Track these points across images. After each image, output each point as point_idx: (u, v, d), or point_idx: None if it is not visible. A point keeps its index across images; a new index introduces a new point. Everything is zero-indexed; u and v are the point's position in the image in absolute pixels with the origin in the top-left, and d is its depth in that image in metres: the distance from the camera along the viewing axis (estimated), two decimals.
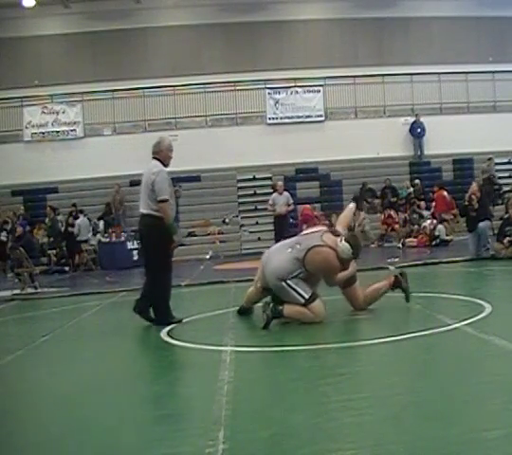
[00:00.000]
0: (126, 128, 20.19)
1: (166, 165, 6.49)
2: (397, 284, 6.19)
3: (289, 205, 14.35)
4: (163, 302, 6.37)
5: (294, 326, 5.63)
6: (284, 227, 14.29)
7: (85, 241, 16.80)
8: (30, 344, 5.89)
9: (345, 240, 5.85)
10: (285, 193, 14.49)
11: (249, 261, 15.34)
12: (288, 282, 5.75)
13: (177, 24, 20.99)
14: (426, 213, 17.14)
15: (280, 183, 15.00)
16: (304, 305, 5.70)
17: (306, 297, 5.71)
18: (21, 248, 12.40)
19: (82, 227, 16.82)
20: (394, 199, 18.49)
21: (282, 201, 14.25)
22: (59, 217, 17.82)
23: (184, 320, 6.40)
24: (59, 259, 16.99)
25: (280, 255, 5.94)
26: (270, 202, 14.59)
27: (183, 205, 19.35)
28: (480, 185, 13.44)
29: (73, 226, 16.94)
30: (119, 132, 20.18)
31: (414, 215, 17.22)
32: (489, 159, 19.19)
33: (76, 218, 17.17)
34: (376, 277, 7.16)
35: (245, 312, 6.54)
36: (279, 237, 14.08)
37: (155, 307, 6.41)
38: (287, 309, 5.71)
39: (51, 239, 17.39)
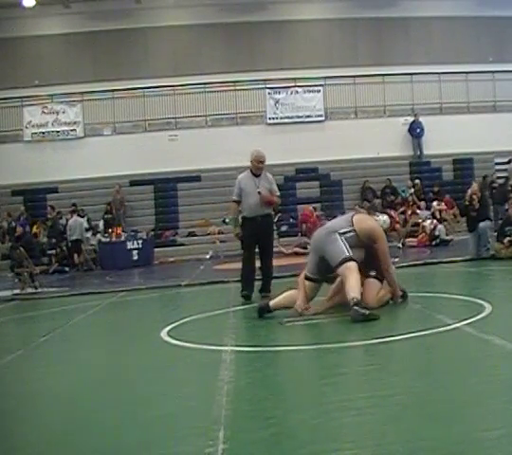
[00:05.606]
0: (126, 128, 20.21)
1: (256, 175, 7.69)
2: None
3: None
4: (241, 280, 7.73)
5: (294, 326, 5.63)
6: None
7: (80, 240, 16.70)
8: (30, 344, 5.89)
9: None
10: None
11: None
12: (341, 235, 5.93)
13: (177, 24, 21.01)
14: (426, 213, 17.12)
15: None
16: (341, 263, 5.74)
17: (348, 254, 5.79)
18: (21, 248, 12.41)
19: (72, 226, 16.69)
20: (394, 199, 18.48)
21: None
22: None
23: (184, 320, 6.41)
24: (61, 259, 16.96)
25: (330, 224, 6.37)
26: None
27: (183, 205, 19.43)
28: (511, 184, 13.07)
29: None
30: (119, 132, 20.19)
31: (415, 215, 17.20)
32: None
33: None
34: None
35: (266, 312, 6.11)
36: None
37: None
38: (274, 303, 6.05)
39: (52, 239, 17.37)
